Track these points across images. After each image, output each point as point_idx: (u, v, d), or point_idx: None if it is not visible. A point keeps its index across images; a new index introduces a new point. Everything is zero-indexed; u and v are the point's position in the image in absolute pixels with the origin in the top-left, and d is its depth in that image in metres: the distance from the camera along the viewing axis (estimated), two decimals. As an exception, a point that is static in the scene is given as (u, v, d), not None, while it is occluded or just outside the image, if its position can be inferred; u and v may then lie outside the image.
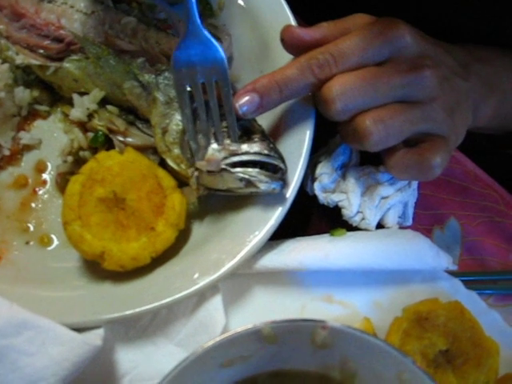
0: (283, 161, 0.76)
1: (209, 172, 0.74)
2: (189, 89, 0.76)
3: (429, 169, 0.75)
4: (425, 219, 0.88)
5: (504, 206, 0.89)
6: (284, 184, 0.75)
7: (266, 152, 0.75)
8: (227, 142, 0.75)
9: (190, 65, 0.74)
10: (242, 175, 0.73)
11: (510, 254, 0.87)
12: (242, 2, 0.92)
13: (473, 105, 0.82)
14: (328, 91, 0.73)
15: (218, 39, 0.91)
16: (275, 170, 0.75)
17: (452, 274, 0.82)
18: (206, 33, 0.74)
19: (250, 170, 0.74)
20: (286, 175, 0.76)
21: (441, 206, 0.89)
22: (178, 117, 0.78)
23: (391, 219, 0.83)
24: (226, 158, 0.74)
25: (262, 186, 0.74)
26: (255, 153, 0.74)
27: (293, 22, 0.87)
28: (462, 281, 0.82)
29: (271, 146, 0.76)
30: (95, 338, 0.71)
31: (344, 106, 0.73)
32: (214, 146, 0.75)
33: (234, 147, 0.75)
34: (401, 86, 0.74)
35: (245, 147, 0.75)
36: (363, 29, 0.76)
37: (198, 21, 0.73)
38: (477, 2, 0.91)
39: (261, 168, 0.75)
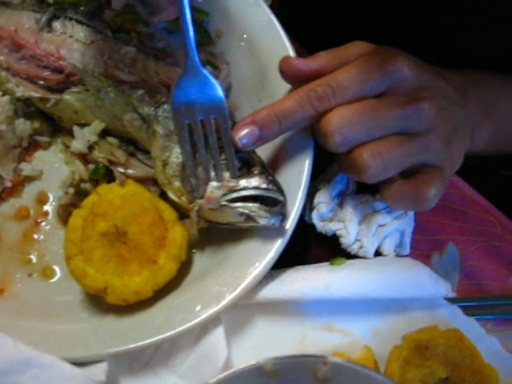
0: (282, 193, 0.76)
1: (209, 208, 0.75)
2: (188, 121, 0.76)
3: (424, 201, 0.76)
4: (423, 245, 0.89)
5: (502, 231, 0.90)
6: (283, 218, 0.76)
7: (264, 186, 0.75)
8: (226, 176, 0.76)
9: (188, 103, 0.75)
10: (241, 210, 0.74)
11: (509, 278, 0.88)
12: (239, 30, 0.93)
13: (469, 130, 0.83)
14: (327, 124, 0.74)
15: (216, 67, 0.92)
16: (275, 202, 0.76)
17: (451, 300, 0.83)
18: (205, 71, 0.75)
19: (249, 205, 0.74)
20: (285, 207, 0.77)
21: (439, 232, 0.90)
22: (177, 150, 0.79)
23: (388, 247, 0.84)
24: (225, 194, 0.75)
25: (262, 221, 0.74)
26: (254, 187, 0.75)
27: (290, 49, 0.88)
28: (461, 306, 0.83)
29: (270, 178, 0.77)
30: (99, 372, 0.72)
31: (343, 139, 0.74)
32: (213, 183, 0.75)
33: (232, 183, 0.75)
34: (399, 119, 0.74)
35: (243, 182, 0.75)
36: (362, 60, 0.77)
37: (197, 59, 0.74)
38: (473, 27, 0.92)
39: (261, 201, 0.75)
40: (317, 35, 1.04)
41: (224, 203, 0.74)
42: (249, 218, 0.75)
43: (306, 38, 0.99)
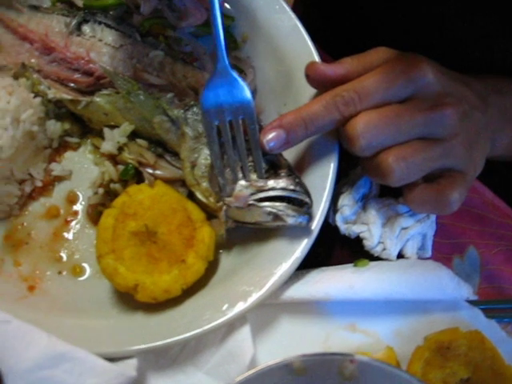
0: (309, 195, 0.78)
1: (237, 207, 0.77)
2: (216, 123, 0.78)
3: (447, 204, 0.77)
4: (445, 248, 0.90)
5: (522, 235, 0.91)
6: (310, 218, 0.77)
7: (291, 187, 0.77)
8: (254, 177, 0.78)
9: (218, 104, 0.77)
10: (269, 209, 0.76)
11: (529, 282, 0.89)
12: (265, 35, 0.94)
13: (490, 135, 0.84)
14: (352, 129, 0.76)
15: (242, 71, 0.94)
16: (301, 203, 0.78)
17: (472, 302, 0.85)
18: (234, 73, 0.77)
19: (277, 204, 0.76)
20: (311, 209, 0.78)
21: (460, 235, 0.91)
22: (206, 151, 0.81)
23: (410, 250, 0.86)
24: (253, 193, 0.77)
25: (290, 220, 0.76)
26: (281, 188, 0.77)
27: (315, 55, 0.90)
28: (482, 309, 0.85)
29: (297, 180, 0.79)
30: (130, 368, 0.73)
31: (368, 143, 0.75)
32: (242, 182, 0.77)
33: (260, 183, 0.77)
34: (423, 124, 0.76)
35: (271, 183, 0.77)
36: (387, 66, 0.78)
37: (227, 61, 0.76)
38: (494, 34, 0.93)
39: (287, 202, 0.77)
40: (339, 41, 1.06)
41: (252, 202, 0.76)
42: (276, 217, 0.77)
43: (328, 44, 1.01)
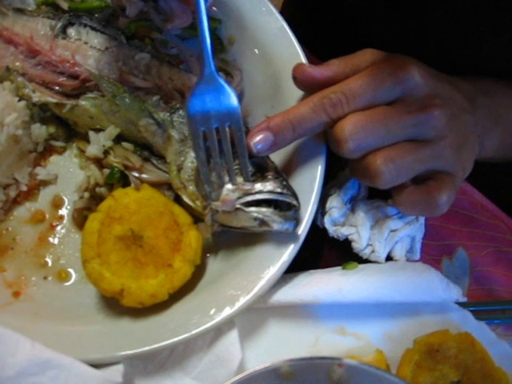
0: (296, 198, 0.77)
1: (224, 211, 0.76)
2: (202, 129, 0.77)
3: (436, 206, 0.77)
4: (433, 250, 0.90)
5: (511, 236, 0.91)
6: (297, 223, 0.77)
7: (279, 190, 0.76)
8: (240, 180, 0.77)
9: (204, 111, 0.75)
10: (256, 215, 0.75)
11: (518, 283, 0.89)
12: (252, 37, 0.94)
13: (479, 137, 0.84)
14: (340, 131, 0.75)
15: (229, 74, 0.93)
16: (288, 206, 0.77)
17: (461, 304, 0.84)
18: (221, 79, 0.76)
19: (263, 209, 0.75)
20: (298, 212, 0.78)
21: (449, 237, 0.91)
22: (192, 154, 0.80)
23: (399, 252, 0.85)
24: (240, 197, 0.76)
25: (276, 226, 0.76)
26: (269, 191, 0.76)
27: (302, 57, 0.89)
28: (471, 311, 0.84)
29: (284, 183, 0.78)
30: (116, 374, 0.72)
31: (356, 145, 0.75)
32: (229, 186, 0.77)
33: (247, 186, 0.76)
34: (411, 126, 0.76)
35: (258, 186, 0.76)
36: (374, 68, 0.78)
37: (213, 67, 0.75)
38: (482, 35, 0.93)
39: (275, 205, 0.76)
40: (326, 43, 1.06)
41: (238, 206, 0.75)
42: (263, 222, 0.76)
43: (315, 46, 1.00)
